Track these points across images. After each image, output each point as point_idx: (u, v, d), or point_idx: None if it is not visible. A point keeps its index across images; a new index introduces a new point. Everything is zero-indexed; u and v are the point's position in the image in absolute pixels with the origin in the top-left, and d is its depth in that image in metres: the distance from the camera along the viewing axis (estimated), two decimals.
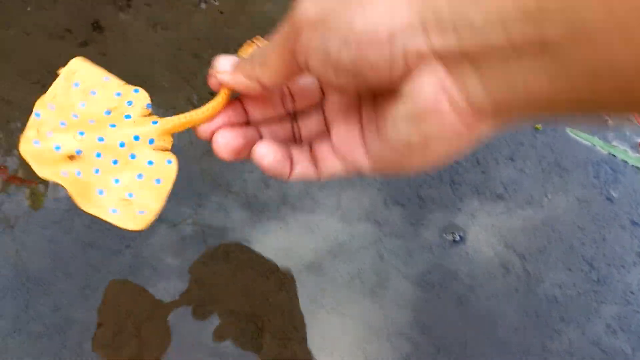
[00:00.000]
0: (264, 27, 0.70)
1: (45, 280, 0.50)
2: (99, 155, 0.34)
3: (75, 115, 0.34)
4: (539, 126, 0.67)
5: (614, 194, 0.62)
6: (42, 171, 0.33)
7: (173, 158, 0.35)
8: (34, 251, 0.51)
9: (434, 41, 0.23)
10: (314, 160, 0.33)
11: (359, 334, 0.51)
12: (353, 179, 0.59)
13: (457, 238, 0.57)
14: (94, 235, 0.52)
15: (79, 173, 0.34)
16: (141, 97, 0.36)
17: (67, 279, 0.50)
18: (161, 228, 0.53)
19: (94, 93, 0.35)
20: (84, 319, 0.48)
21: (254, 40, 0.35)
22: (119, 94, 0.35)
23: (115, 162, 0.34)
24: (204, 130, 0.34)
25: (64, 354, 0.46)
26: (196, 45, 0.67)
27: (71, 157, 0.34)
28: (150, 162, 0.35)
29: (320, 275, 0.53)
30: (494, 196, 0.60)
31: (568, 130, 0.67)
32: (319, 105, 0.35)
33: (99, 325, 0.48)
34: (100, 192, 0.34)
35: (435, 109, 0.25)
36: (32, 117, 0.34)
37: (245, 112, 0.36)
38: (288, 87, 0.34)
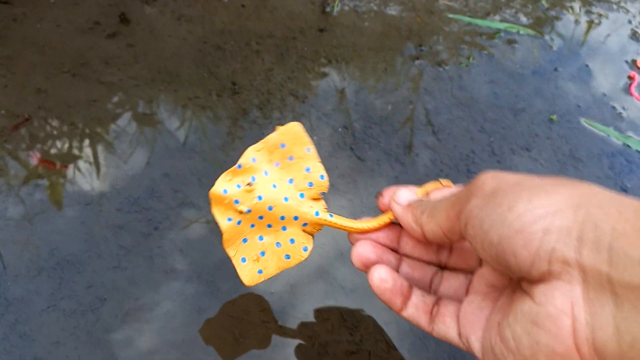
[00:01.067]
0: (285, 21, 0.71)
1: (78, 260, 0.51)
2: (261, 217, 0.40)
3: (266, 173, 0.41)
4: (554, 117, 0.68)
5: (629, 185, 0.63)
6: (215, 210, 0.40)
7: (310, 246, 0.41)
8: (67, 233, 0.53)
9: (584, 256, 0.22)
10: (433, 314, 0.34)
11: None
12: (370, 168, 0.60)
13: None
14: (124, 218, 0.54)
15: (239, 222, 0.40)
16: (322, 184, 0.41)
17: (98, 259, 0.52)
18: (190, 213, 0.55)
19: (291, 159, 0.41)
20: (115, 297, 0.50)
21: (441, 182, 0.38)
22: (308, 170, 0.41)
23: (269, 226, 0.40)
24: (355, 239, 0.39)
25: (97, 330, 0.48)
26: (219, 38, 0.69)
27: (240, 212, 0.40)
28: (292, 241, 0.41)
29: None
30: None
31: (583, 121, 0.67)
32: (470, 272, 0.35)
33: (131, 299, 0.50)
34: (244, 241, 0.41)
35: (556, 323, 0.24)
36: (235, 166, 0.40)
37: (399, 240, 0.38)
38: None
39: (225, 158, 0.59)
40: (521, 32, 0.76)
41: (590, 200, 0.24)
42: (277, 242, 0.41)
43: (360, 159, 0.61)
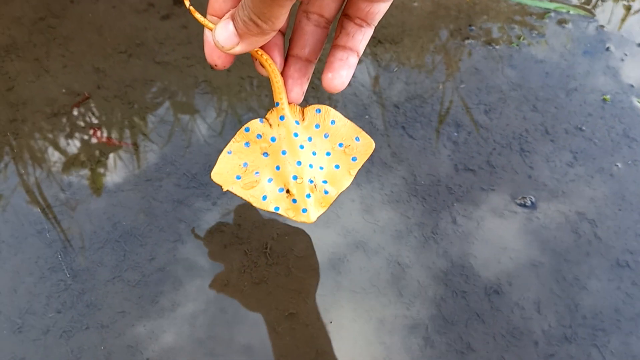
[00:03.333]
0: None
1: (140, 233, 0.52)
2: (311, 166, 0.40)
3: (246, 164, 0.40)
4: (607, 97, 0.66)
5: None
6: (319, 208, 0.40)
7: (318, 106, 0.40)
8: (129, 207, 0.53)
9: None
10: (355, 20, 0.35)
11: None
12: (422, 146, 0.59)
13: (529, 203, 0.57)
14: (183, 193, 0.54)
15: (324, 185, 0.40)
16: (255, 125, 0.40)
17: (160, 232, 0.52)
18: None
19: (245, 164, 0.40)
20: (176, 269, 0.50)
21: (192, 12, 0.37)
22: (259, 136, 0.40)
23: (314, 153, 0.40)
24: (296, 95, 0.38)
25: (161, 300, 0.49)
26: None
27: (311, 188, 0.39)
28: (317, 126, 0.40)
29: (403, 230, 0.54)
30: (564, 164, 0.60)
31: (636, 101, 0.65)
32: None
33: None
34: (336, 167, 0.40)
35: None
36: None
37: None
38: None
39: None
40: (571, 12, 0.74)
41: None
42: (327, 152, 0.40)
43: (412, 137, 0.60)
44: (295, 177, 0.38)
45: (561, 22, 0.73)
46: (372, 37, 0.67)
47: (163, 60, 0.64)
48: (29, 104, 0.59)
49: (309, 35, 0.37)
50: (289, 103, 0.38)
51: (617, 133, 0.63)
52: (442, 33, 0.70)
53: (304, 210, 0.38)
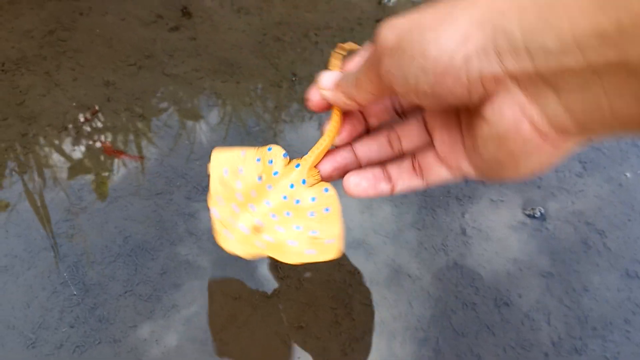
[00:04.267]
0: (341, 12, 0.70)
1: (152, 247, 0.52)
2: (273, 216, 0.37)
3: (239, 195, 0.38)
4: None
5: None
6: (245, 251, 0.37)
7: (327, 185, 0.37)
8: (140, 221, 0.53)
9: (508, 65, 0.23)
10: (420, 171, 0.33)
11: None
12: None
13: (538, 214, 0.56)
14: (193, 207, 0.54)
15: (269, 237, 0.37)
16: (277, 152, 0.38)
17: (171, 246, 0.52)
18: None
19: (241, 170, 0.39)
20: (188, 283, 0.50)
21: (338, 50, 0.36)
22: (258, 160, 0.38)
23: (288, 213, 0.38)
24: (324, 169, 0.36)
25: (172, 314, 0.48)
26: (278, 30, 0.69)
27: (257, 229, 0.37)
28: (313, 199, 0.38)
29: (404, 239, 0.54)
30: (573, 175, 0.59)
31: None
32: (420, 116, 0.34)
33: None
34: (292, 242, 0.38)
35: (517, 132, 0.24)
36: (213, 217, 0.38)
37: (364, 118, 0.36)
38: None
39: (288, 148, 0.58)
40: None
41: (491, 10, 0.23)
42: (310, 213, 0.38)
43: None
44: (252, 207, 0.37)
45: None
46: None
47: (172, 73, 0.64)
48: (39, 117, 0.59)
49: (377, 146, 0.36)
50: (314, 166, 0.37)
51: (626, 142, 0.63)
52: None
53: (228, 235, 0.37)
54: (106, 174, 0.56)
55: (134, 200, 0.54)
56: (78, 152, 0.57)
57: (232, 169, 0.39)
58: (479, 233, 0.55)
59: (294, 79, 0.64)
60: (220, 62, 0.65)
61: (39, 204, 0.54)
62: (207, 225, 0.53)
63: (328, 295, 0.50)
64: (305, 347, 0.47)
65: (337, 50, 0.36)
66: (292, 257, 0.37)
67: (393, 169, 0.34)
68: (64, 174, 0.56)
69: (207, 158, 0.58)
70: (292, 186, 0.37)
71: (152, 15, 0.68)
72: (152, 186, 0.55)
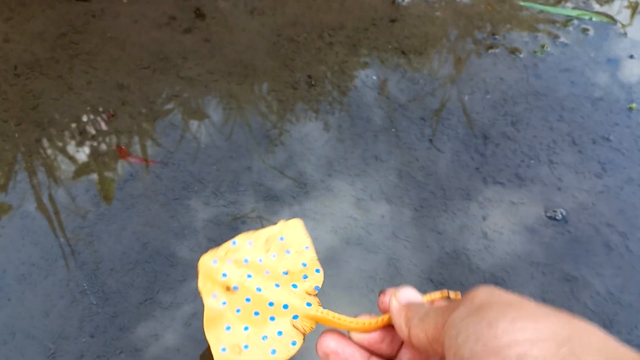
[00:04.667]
0: (355, 11, 0.69)
1: (170, 254, 0.51)
2: (248, 300, 0.36)
3: (260, 260, 0.37)
4: (632, 106, 0.64)
5: None
6: (201, 283, 0.36)
7: (299, 341, 0.35)
8: (157, 227, 0.52)
9: None
10: None
11: None
12: (450, 159, 0.58)
13: (559, 216, 0.56)
14: (211, 212, 0.53)
15: (224, 303, 0.36)
16: (317, 278, 0.36)
17: (190, 252, 0.51)
18: (275, 206, 0.54)
19: (288, 253, 0.37)
20: None
21: (449, 293, 0.34)
22: (304, 265, 0.37)
23: (256, 313, 0.36)
24: (358, 339, 0.33)
25: (194, 322, 0.48)
26: (292, 30, 0.68)
27: (227, 289, 0.35)
28: (280, 333, 0.36)
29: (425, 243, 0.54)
30: (593, 176, 0.59)
31: None
32: None
33: None
34: (227, 329, 0.36)
35: None
36: (229, 242, 0.36)
37: (395, 346, 0.34)
38: None
39: (304, 150, 0.57)
40: (594, 19, 0.73)
41: (580, 338, 0.21)
42: (264, 335, 0.36)
43: (440, 150, 0.59)
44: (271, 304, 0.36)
45: (584, 30, 0.72)
46: (396, 49, 0.66)
47: (187, 75, 0.63)
48: (54, 122, 0.58)
49: None
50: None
51: None
52: (465, 43, 0.69)
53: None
54: (123, 179, 0.55)
55: (151, 205, 0.54)
56: (93, 157, 0.56)
57: (286, 243, 0.38)
58: (501, 237, 0.54)
59: (310, 81, 0.63)
60: (235, 63, 0.64)
61: (54, 210, 0.53)
62: (225, 232, 0.52)
63: (349, 301, 0.50)
64: None
65: (442, 292, 0.34)
66: (211, 334, 0.36)
67: None
68: (79, 180, 0.55)
69: (225, 162, 0.57)
70: (285, 307, 0.36)
71: (165, 17, 0.67)
72: (169, 191, 0.55)
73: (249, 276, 0.36)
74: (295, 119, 0.60)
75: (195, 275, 0.50)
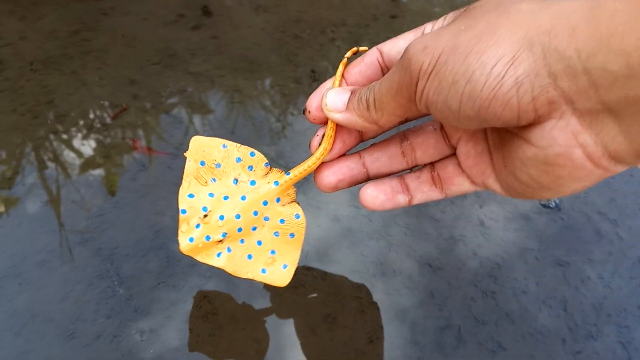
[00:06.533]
0: (356, 8, 0.71)
1: None
2: (240, 229, 0.36)
3: (211, 194, 0.37)
4: None
5: None
6: (202, 259, 0.37)
7: (300, 212, 0.37)
8: (170, 215, 0.54)
9: (564, 88, 0.21)
10: (438, 182, 0.32)
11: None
12: None
13: (553, 205, 0.57)
14: None
15: (229, 249, 0.37)
16: (258, 160, 0.36)
17: None
18: None
19: (218, 166, 0.37)
20: (220, 275, 0.51)
21: (351, 51, 0.35)
22: (239, 160, 0.36)
23: (254, 228, 0.37)
24: (328, 181, 0.34)
25: (205, 305, 0.50)
26: (296, 27, 0.69)
27: (219, 241, 0.36)
28: (282, 221, 0.37)
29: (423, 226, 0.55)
30: None
31: None
32: (438, 125, 0.32)
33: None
34: (249, 257, 0.37)
35: (568, 158, 0.23)
36: (180, 214, 0.37)
37: (359, 134, 0.34)
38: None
39: (307, 142, 0.59)
40: None
41: (535, 28, 0.21)
42: (275, 232, 0.37)
43: None
44: (221, 217, 0.36)
45: None
46: None
47: (195, 71, 0.64)
48: (69, 116, 0.60)
49: (388, 157, 0.33)
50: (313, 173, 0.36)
51: None
52: None
53: (187, 239, 0.37)
54: (135, 169, 0.57)
55: (163, 195, 0.55)
56: (107, 149, 0.58)
57: (209, 162, 0.37)
58: (496, 224, 0.56)
59: (313, 75, 0.64)
60: (241, 59, 0.66)
61: (71, 200, 0.55)
62: None
63: (352, 285, 0.52)
64: (333, 336, 0.49)
65: (347, 55, 0.34)
66: (245, 272, 0.37)
67: (411, 180, 0.33)
68: (94, 171, 0.57)
69: None
70: (265, 203, 0.36)
71: (173, 14, 0.69)
72: (179, 181, 0.56)
73: (222, 217, 0.36)
74: (298, 112, 0.62)
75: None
